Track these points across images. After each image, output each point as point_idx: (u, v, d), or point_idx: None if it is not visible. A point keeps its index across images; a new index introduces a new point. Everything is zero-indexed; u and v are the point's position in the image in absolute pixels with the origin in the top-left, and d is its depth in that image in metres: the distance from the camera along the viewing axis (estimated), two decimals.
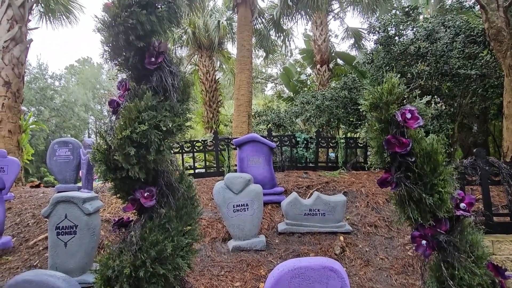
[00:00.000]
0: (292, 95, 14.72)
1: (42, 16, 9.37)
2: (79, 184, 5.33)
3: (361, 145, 6.51)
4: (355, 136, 8.00)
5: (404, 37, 6.89)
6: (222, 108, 15.48)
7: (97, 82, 36.08)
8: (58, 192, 5.23)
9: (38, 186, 6.32)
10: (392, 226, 4.13)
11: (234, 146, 5.99)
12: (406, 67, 6.61)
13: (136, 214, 1.87)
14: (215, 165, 6.32)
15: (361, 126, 8.09)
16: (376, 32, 6.85)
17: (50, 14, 9.35)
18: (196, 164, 6.45)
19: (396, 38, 6.86)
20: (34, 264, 3.52)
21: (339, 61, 14.45)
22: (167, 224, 1.72)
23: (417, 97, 4.44)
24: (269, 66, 22.81)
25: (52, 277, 2.04)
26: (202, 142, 5.92)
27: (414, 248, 2.02)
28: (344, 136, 7.42)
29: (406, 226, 2.10)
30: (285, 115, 9.39)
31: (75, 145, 5.25)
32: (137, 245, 1.60)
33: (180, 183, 1.89)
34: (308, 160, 6.45)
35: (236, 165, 6.03)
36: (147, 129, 1.60)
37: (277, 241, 3.93)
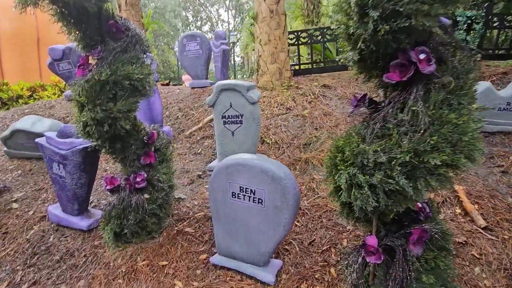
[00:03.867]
0: None
1: None
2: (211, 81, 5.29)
3: None
4: None
5: None
6: None
7: None
8: (192, 88, 5.34)
9: (167, 84, 6.65)
10: None
11: None
12: None
13: (388, 89, 1.41)
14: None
15: None
16: None
17: None
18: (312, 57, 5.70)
19: None
20: (198, 151, 3.72)
21: None
22: (453, 100, 1.21)
23: None
24: None
25: (264, 161, 1.88)
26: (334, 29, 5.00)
27: None
28: None
29: None
30: None
31: (203, 38, 5.01)
32: (424, 124, 1.16)
33: None
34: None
35: None
36: None
37: None
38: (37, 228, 2.90)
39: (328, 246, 2.24)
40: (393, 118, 1.29)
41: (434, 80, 1.24)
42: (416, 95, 1.22)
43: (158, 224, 2.52)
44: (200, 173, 3.31)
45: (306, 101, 4.11)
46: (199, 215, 2.72)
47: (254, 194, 1.91)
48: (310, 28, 5.29)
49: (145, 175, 2.36)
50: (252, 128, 3.00)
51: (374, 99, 1.48)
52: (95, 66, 2.05)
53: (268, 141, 3.57)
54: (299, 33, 5.16)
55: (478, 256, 2.09)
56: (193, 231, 2.57)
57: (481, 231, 2.25)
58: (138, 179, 2.33)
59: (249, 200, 1.95)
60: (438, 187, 1.27)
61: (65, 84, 8.95)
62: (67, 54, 5.10)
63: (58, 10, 1.88)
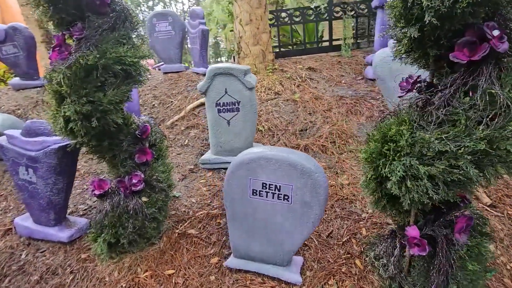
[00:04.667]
0: None
1: None
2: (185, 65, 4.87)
3: None
4: None
5: None
6: None
7: None
8: (165, 73, 4.88)
9: None
10: None
11: (352, 13, 4.89)
12: None
13: (443, 71, 1.27)
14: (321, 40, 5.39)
15: None
16: None
17: None
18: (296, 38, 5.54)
19: None
20: (185, 143, 3.40)
21: None
22: None
23: None
24: None
25: (293, 154, 1.69)
26: (315, 9, 4.86)
27: None
28: None
29: None
30: None
31: (175, 18, 4.53)
32: (505, 108, 1.05)
33: None
34: None
35: (353, 38, 5.07)
36: None
37: None
38: (3, 244, 2.44)
39: (348, 236, 2.15)
40: (460, 103, 1.17)
41: (504, 59, 1.14)
42: (490, 76, 1.10)
43: (157, 229, 2.23)
44: (192, 167, 3.02)
45: (294, 84, 3.95)
46: (201, 214, 2.47)
47: (279, 190, 1.73)
48: (290, 8, 5.06)
49: (142, 176, 2.04)
50: (250, 116, 2.78)
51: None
52: (77, 48, 1.66)
53: (261, 128, 3.36)
54: (278, 13, 4.92)
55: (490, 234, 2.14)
56: (197, 232, 2.33)
57: (488, 208, 2.31)
58: (134, 181, 2.01)
59: (272, 197, 1.76)
60: (507, 175, 1.19)
61: (4, 71, 7.79)
62: (11, 36, 4.32)
63: None
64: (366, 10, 4.92)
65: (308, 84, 3.99)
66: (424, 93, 1.29)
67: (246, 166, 1.73)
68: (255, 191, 1.78)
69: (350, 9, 4.87)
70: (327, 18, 4.95)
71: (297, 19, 4.92)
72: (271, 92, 3.84)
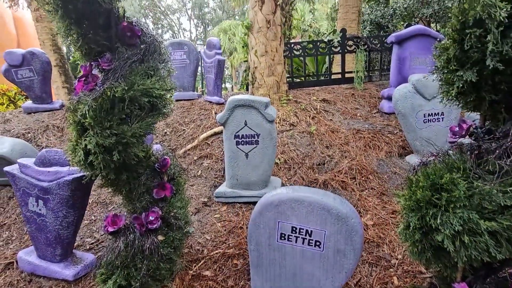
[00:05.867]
0: None
1: None
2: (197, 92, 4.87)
3: None
4: None
5: None
6: (295, 12, 13.55)
7: None
8: (177, 100, 4.86)
9: None
10: None
11: (365, 47, 4.95)
12: None
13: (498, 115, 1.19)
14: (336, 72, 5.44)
15: None
16: None
17: None
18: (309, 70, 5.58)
19: None
20: (198, 174, 3.29)
21: None
22: None
23: None
24: None
25: (326, 196, 1.58)
26: (328, 42, 4.94)
27: None
28: None
29: None
30: (393, 11, 7.72)
31: (190, 47, 4.60)
32: None
33: None
34: None
35: (366, 71, 5.09)
36: None
37: None
38: (2, 281, 2.27)
39: (379, 286, 1.97)
40: None
41: None
42: None
43: (170, 269, 2.07)
44: (206, 200, 2.89)
45: (309, 116, 3.90)
46: (216, 254, 2.31)
47: (310, 235, 1.59)
48: (304, 41, 5.15)
49: (159, 212, 1.92)
50: (270, 149, 2.68)
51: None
52: (104, 79, 1.61)
53: (277, 160, 3.26)
54: (292, 45, 4.99)
55: None
56: (213, 274, 2.16)
57: None
58: (151, 218, 1.88)
59: (302, 243, 1.62)
60: None
61: (15, 93, 7.88)
62: (28, 60, 4.36)
63: (60, 5, 1.42)
64: (378, 45, 4.99)
65: (323, 116, 3.94)
66: (481, 141, 1.20)
67: (276, 208, 1.61)
68: (283, 235, 1.64)
69: (363, 43, 4.93)
70: (340, 51, 5.00)
71: (311, 52, 4.98)
72: (286, 124, 3.78)
